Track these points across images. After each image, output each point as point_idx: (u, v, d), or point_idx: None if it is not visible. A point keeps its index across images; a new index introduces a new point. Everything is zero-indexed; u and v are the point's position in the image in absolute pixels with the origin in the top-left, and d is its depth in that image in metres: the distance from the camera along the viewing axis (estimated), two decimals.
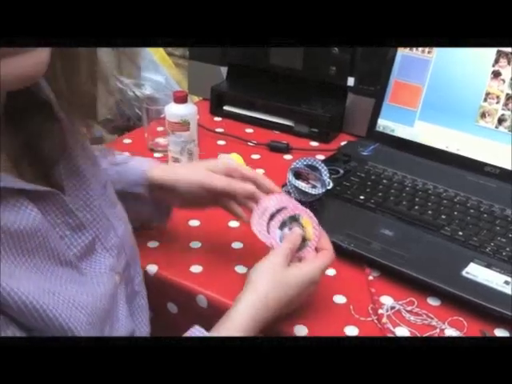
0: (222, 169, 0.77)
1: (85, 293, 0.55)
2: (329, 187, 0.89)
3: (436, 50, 1.01)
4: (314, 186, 0.88)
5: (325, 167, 0.90)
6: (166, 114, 0.99)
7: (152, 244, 0.85)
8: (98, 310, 0.56)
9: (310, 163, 0.90)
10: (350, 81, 1.15)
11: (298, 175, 0.90)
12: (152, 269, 0.79)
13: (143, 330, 0.68)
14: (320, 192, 0.88)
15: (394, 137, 1.06)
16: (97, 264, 0.60)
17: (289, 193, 0.89)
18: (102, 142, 1.46)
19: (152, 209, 0.81)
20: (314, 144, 1.15)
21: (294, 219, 0.72)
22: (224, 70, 1.29)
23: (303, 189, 0.87)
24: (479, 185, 0.94)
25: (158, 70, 1.61)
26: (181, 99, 0.98)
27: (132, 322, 0.66)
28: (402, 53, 1.05)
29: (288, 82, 1.21)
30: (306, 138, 1.17)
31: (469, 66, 0.98)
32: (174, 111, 0.98)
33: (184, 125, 0.98)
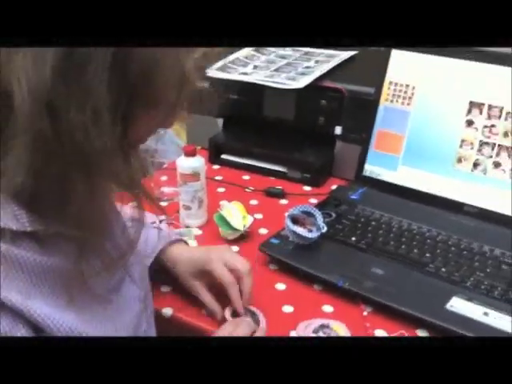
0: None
1: (113, 321, 0.64)
2: (323, 230, 0.98)
3: (415, 102, 1.12)
4: (310, 231, 0.97)
5: (319, 213, 0.99)
6: (177, 166, 1.08)
7: (164, 289, 0.93)
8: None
9: (305, 210, 0.99)
10: (338, 129, 1.25)
11: (295, 221, 0.99)
12: (167, 312, 0.88)
13: None
14: (316, 235, 0.97)
15: (380, 181, 1.16)
16: (126, 295, 0.69)
17: (287, 237, 0.98)
18: None
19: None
20: (307, 188, 1.25)
21: (324, 326, 0.84)
22: (220, 121, 1.39)
23: (301, 233, 0.96)
24: (459, 224, 1.03)
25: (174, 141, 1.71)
26: (191, 153, 1.07)
27: None
28: (385, 105, 1.15)
29: (280, 131, 1.31)
30: (298, 183, 1.26)
31: (445, 115, 1.08)
32: (186, 164, 1.07)
33: (195, 176, 1.07)
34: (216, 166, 1.35)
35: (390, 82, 1.14)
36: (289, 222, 0.97)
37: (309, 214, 0.99)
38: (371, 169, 1.17)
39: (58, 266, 0.59)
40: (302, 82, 1.20)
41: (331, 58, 1.36)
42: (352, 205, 1.11)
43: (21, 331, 0.55)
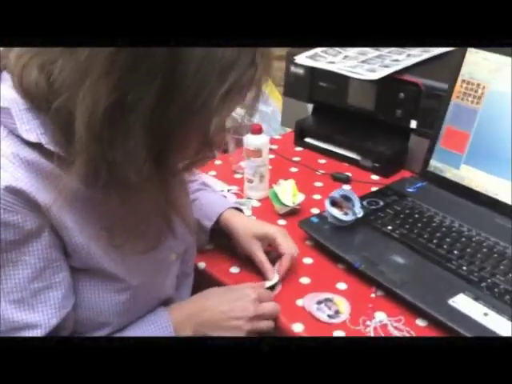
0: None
1: (145, 268, 0.78)
2: (359, 215, 1.03)
3: (484, 102, 1.11)
4: (346, 214, 1.04)
5: (357, 198, 1.05)
6: (244, 142, 1.20)
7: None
8: (148, 274, 0.79)
9: (345, 194, 1.05)
10: (413, 123, 1.27)
11: (334, 203, 1.05)
12: (201, 265, 1.01)
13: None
14: (350, 219, 1.03)
15: (441, 177, 1.17)
16: (164, 247, 0.81)
17: (326, 217, 1.05)
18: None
19: (203, 237, 1.02)
20: (375, 178, 1.29)
21: (329, 300, 0.91)
22: (310, 106, 1.47)
23: (336, 215, 1.03)
24: (504, 228, 1.02)
25: (266, 102, 1.83)
26: (257, 131, 1.19)
27: (177, 293, 0.89)
28: (455, 102, 1.16)
29: (360, 120, 1.36)
30: (368, 172, 1.31)
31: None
32: (251, 141, 1.19)
33: (258, 152, 1.18)
34: (298, 148, 1.44)
35: (463, 80, 1.14)
36: (327, 204, 1.05)
37: (347, 199, 1.05)
38: (436, 165, 1.19)
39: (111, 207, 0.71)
40: (378, 74, 1.24)
41: (424, 52, 1.37)
42: (404, 197, 1.14)
43: (44, 234, 0.67)
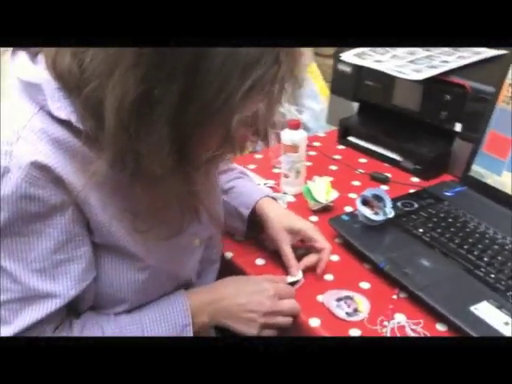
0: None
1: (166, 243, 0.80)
2: (389, 216, 1.02)
3: None
4: (376, 214, 1.03)
5: (389, 199, 1.04)
6: (281, 137, 1.21)
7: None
8: (169, 256, 0.81)
9: (377, 194, 1.04)
10: (458, 126, 1.24)
11: (365, 202, 1.05)
12: (228, 255, 1.03)
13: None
14: (380, 219, 1.02)
15: (481, 182, 1.14)
16: (188, 232, 0.82)
17: (357, 216, 1.05)
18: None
19: (241, 225, 1.03)
20: (415, 180, 1.27)
21: (349, 297, 0.92)
22: (356, 105, 1.46)
23: (366, 214, 1.02)
24: None
25: (316, 99, 1.83)
26: (294, 126, 1.19)
27: (200, 278, 0.92)
28: (501, 107, 1.12)
29: (405, 121, 1.34)
30: (409, 174, 1.29)
31: None
32: (288, 136, 1.20)
33: (294, 147, 1.19)
34: (341, 147, 1.43)
35: (510, 84, 1.11)
36: (359, 203, 1.04)
37: (379, 199, 1.04)
38: (477, 170, 1.16)
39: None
40: (423, 75, 1.22)
41: (475, 55, 1.33)
42: (440, 200, 1.12)
43: (67, 209, 0.70)
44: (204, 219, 0.85)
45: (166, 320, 0.82)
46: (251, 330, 0.86)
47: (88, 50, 0.66)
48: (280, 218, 1.00)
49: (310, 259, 0.97)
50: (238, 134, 0.69)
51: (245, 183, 1.07)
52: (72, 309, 0.79)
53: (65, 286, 0.74)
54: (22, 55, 0.72)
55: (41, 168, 0.68)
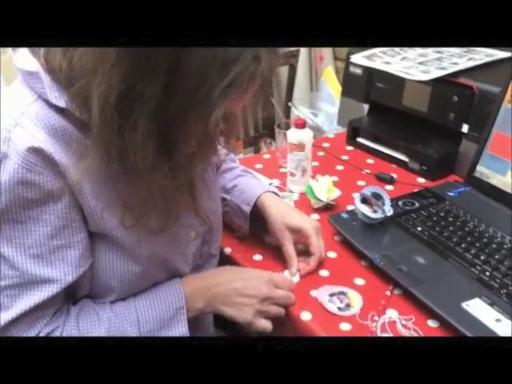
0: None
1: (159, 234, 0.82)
2: (388, 214, 1.02)
3: None
4: (375, 211, 1.03)
5: (387, 197, 1.04)
6: (287, 136, 1.23)
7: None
8: (162, 247, 0.83)
9: (376, 192, 1.05)
10: (465, 127, 1.23)
11: (364, 200, 1.05)
12: (227, 250, 1.05)
13: None
14: (379, 217, 1.02)
15: (485, 183, 1.13)
16: (183, 225, 0.85)
17: (356, 214, 1.06)
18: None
19: (244, 222, 1.04)
20: (421, 180, 1.27)
21: (342, 293, 0.92)
22: (366, 106, 1.47)
23: (365, 212, 1.03)
24: None
25: (332, 102, 1.84)
26: (300, 125, 1.21)
27: (201, 272, 0.93)
28: (507, 107, 1.11)
29: (413, 122, 1.34)
30: (416, 174, 1.29)
31: None
32: (293, 135, 1.21)
33: (300, 146, 1.20)
34: (349, 148, 1.44)
35: None
36: (357, 200, 1.05)
37: (378, 197, 1.04)
38: (482, 170, 1.15)
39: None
40: (430, 75, 1.22)
41: (487, 57, 1.32)
42: (442, 200, 1.11)
43: (64, 195, 0.72)
44: (201, 211, 0.87)
45: (160, 303, 0.83)
46: (244, 315, 0.86)
47: (77, 49, 0.69)
48: (281, 214, 1.00)
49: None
50: (217, 132, 0.71)
51: (247, 180, 1.09)
52: (70, 295, 0.81)
53: (62, 272, 0.76)
54: None
55: (38, 153, 0.70)
